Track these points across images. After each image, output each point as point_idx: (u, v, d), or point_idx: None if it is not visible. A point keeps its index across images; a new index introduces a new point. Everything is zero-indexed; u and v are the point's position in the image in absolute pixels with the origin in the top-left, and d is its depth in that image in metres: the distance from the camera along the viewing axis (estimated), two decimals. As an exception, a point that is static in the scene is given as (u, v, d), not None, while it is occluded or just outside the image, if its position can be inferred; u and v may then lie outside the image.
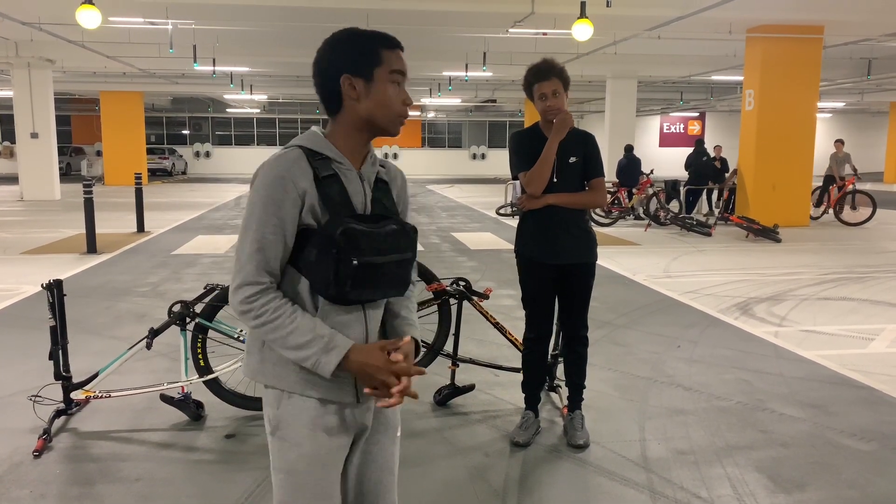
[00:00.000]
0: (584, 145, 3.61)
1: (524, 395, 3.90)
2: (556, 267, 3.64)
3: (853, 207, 14.53)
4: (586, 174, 3.62)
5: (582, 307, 3.75)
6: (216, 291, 3.99)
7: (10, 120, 23.37)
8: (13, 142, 24.16)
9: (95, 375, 3.97)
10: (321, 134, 1.78)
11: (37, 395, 3.93)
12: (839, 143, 15.46)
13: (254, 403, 4.00)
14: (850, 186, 14.61)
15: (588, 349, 3.81)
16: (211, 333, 3.99)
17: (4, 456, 3.52)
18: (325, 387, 1.76)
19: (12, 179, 23.87)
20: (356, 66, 1.73)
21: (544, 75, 3.49)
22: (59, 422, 3.90)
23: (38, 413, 3.86)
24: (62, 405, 3.90)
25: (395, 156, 38.93)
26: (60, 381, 3.89)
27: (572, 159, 3.57)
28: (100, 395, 3.94)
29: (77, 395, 3.93)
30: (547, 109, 3.52)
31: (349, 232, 1.67)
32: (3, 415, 4.05)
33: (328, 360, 1.68)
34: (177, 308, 3.97)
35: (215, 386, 3.97)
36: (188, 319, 3.95)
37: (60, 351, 3.86)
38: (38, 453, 3.51)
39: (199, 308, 3.98)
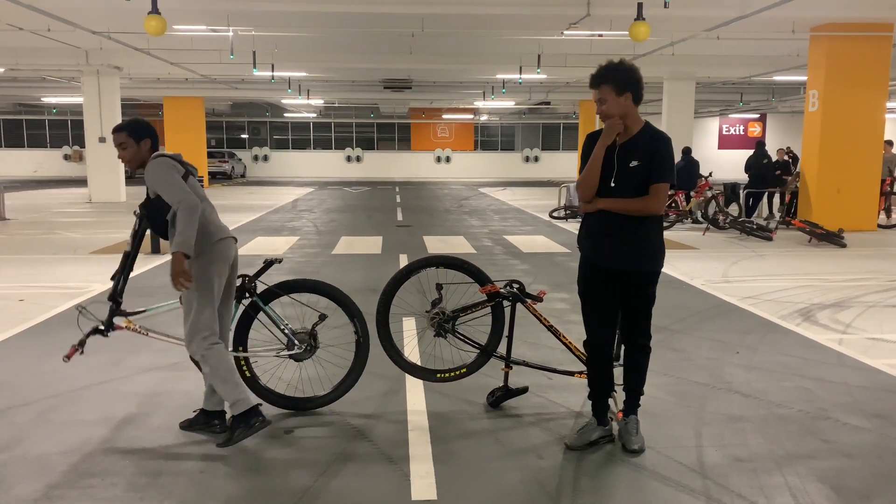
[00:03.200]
0: (650, 148, 3.49)
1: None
2: (606, 270, 3.62)
3: (889, 210, 13.97)
4: (648, 178, 3.50)
5: (639, 315, 3.71)
6: (274, 264, 4.08)
7: (80, 125, 24.35)
8: (83, 146, 25.09)
9: (144, 311, 4.03)
10: None
11: (83, 307, 4.06)
12: (888, 143, 14.86)
13: (285, 402, 4.14)
14: (888, 188, 14.05)
15: (649, 357, 3.78)
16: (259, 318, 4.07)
17: (76, 445, 3.68)
18: None
19: (82, 182, 24.82)
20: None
21: (592, 83, 3.56)
22: (124, 415, 4.06)
23: (80, 326, 3.94)
24: (102, 325, 3.90)
25: (448, 159, 39.09)
26: (111, 303, 3.91)
27: (633, 163, 3.48)
28: (140, 330, 3.96)
29: (119, 321, 3.94)
30: (599, 115, 3.58)
31: None
32: (75, 406, 4.24)
33: None
34: (238, 282, 4.06)
35: (251, 382, 4.06)
36: (247, 294, 4.03)
37: (122, 277, 3.90)
38: (68, 359, 3.76)
39: (259, 289, 4.06)
